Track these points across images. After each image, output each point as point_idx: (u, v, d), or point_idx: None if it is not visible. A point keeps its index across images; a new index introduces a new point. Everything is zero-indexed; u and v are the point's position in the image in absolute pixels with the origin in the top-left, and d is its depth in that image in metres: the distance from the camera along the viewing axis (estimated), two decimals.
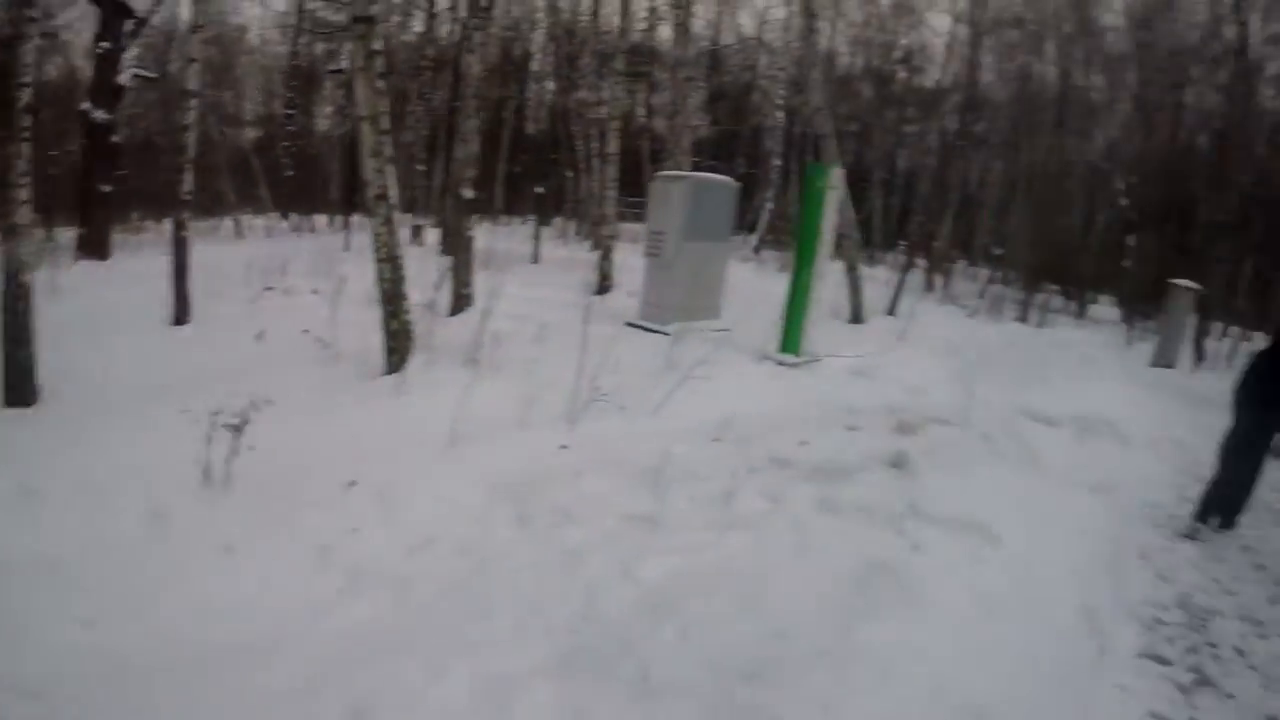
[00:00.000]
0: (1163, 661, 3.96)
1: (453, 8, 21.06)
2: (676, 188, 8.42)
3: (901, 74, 26.66)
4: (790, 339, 7.65)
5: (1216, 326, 17.40)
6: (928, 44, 27.14)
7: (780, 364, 7.28)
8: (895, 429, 5.68)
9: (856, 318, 12.21)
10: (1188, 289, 15.25)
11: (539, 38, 27.39)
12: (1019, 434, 6.74)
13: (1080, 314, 20.68)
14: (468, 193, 9.47)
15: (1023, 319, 17.22)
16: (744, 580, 3.63)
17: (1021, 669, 3.38)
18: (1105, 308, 21.79)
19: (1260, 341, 9.26)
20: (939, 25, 26.23)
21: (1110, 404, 8.48)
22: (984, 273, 21.27)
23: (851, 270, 12.59)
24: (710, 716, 2.78)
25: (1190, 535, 5.90)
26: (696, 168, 17.07)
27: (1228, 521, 6.01)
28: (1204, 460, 7.27)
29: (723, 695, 2.92)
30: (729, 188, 8.97)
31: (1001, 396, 8.02)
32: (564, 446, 5.20)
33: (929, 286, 21.08)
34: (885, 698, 2.94)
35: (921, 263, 21.64)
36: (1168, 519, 6.07)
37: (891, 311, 13.42)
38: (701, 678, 2.96)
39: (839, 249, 13.33)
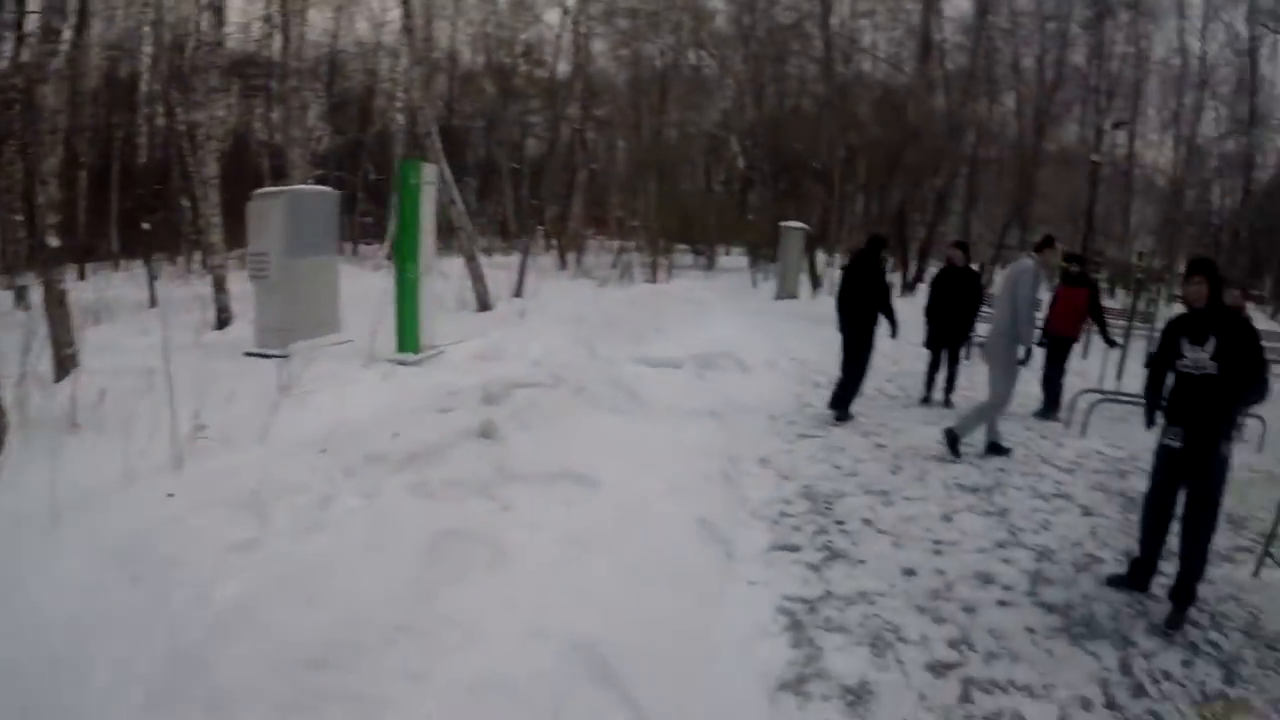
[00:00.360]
0: (792, 549, 4.38)
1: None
2: (273, 205, 7.96)
3: (523, 67, 27.68)
4: (406, 337, 7.62)
5: (827, 259, 20.22)
6: (545, 38, 28.40)
7: (402, 364, 7.27)
8: (484, 401, 5.79)
9: (484, 305, 12.41)
10: (796, 229, 17.38)
11: (146, 56, 24.24)
12: (630, 381, 7.19)
13: (710, 267, 23.22)
14: (53, 241, 8.18)
15: (653, 280, 18.84)
16: (321, 577, 3.60)
17: (635, 594, 3.52)
18: (734, 258, 24.54)
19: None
20: (553, 20, 27.58)
21: (730, 339, 9.49)
22: (618, 244, 22.84)
23: (471, 260, 12.80)
24: (282, 712, 2.77)
25: (838, 420, 7.04)
26: (321, 180, 16.27)
27: (842, 415, 7.08)
28: (822, 369, 8.72)
29: (294, 688, 2.89)
30: (328, 198, 8.69)
31: (623, 351, 8.60)
32: (170, 494, 4.77)
33: (563, 265, 22.30)
34: (478, 653, 2.99)
35: (553, 243, 22.93)
36: (787, 425, 6.85)
37: (519, 293, 13.93)
38: (271, 678, 2.91)
39: (456, 242, 13.58)
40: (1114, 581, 4.26)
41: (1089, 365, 9.62)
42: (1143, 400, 4.33)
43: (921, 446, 6.51)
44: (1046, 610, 3.94)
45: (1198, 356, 3.78)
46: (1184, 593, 3.93)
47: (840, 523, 4.84)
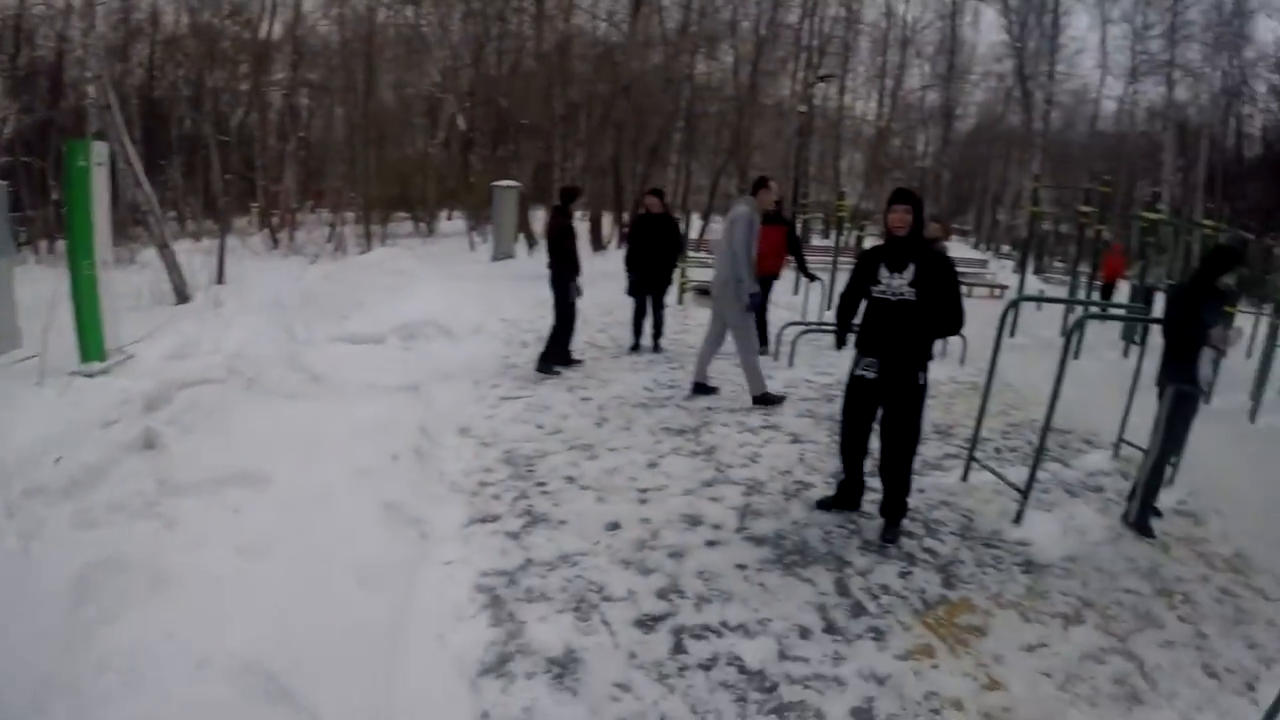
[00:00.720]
0: (491, 519, 3.87)
1: None
2: None
3: (231, 29, 24.22)
4: (89, 344, 6.07)
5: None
6: None
7: (87, 375, 5.75)
8: (146, 408, 4.74)
9: (182, 297, 10.75)
10: (510, 188, 16.89)
11: None
12: (321, 363, 6.36)
13: (431, 233, 22.02)
14: None
15: (367, 250, 17.40)
16: None
17: (313, 598, 3.02)
18: (456, 222, 23.44)
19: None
20: None
21: (436, 307, 8.73)
22: (338, 216, 21.00)
23: (163, 248, 11.08)
24: None
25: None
26: (9, 168, 13.41)
27: (544, 369, 6.65)
28: (533, 329, 8.27)
29: None
30: None
31: (323, 331, 7.82)
32: None
33: (275, 243, 20.11)
34: (137, 699, 2.49)
35: (266, 220, 20.63)
36: (490, 389, 6.19)
37: (220, 279, 12.28)
38: None
39: (146, 229, 11.70)
40: (824, 504, 4.08)
41: (797, 300, 9.94)
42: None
43: (628, 395, 6.14)
44: (757, 544, 3.71)
45: (896, 283, 3.61)
46: (894, 508, 3.84)
47: (542, 484, 4.29)
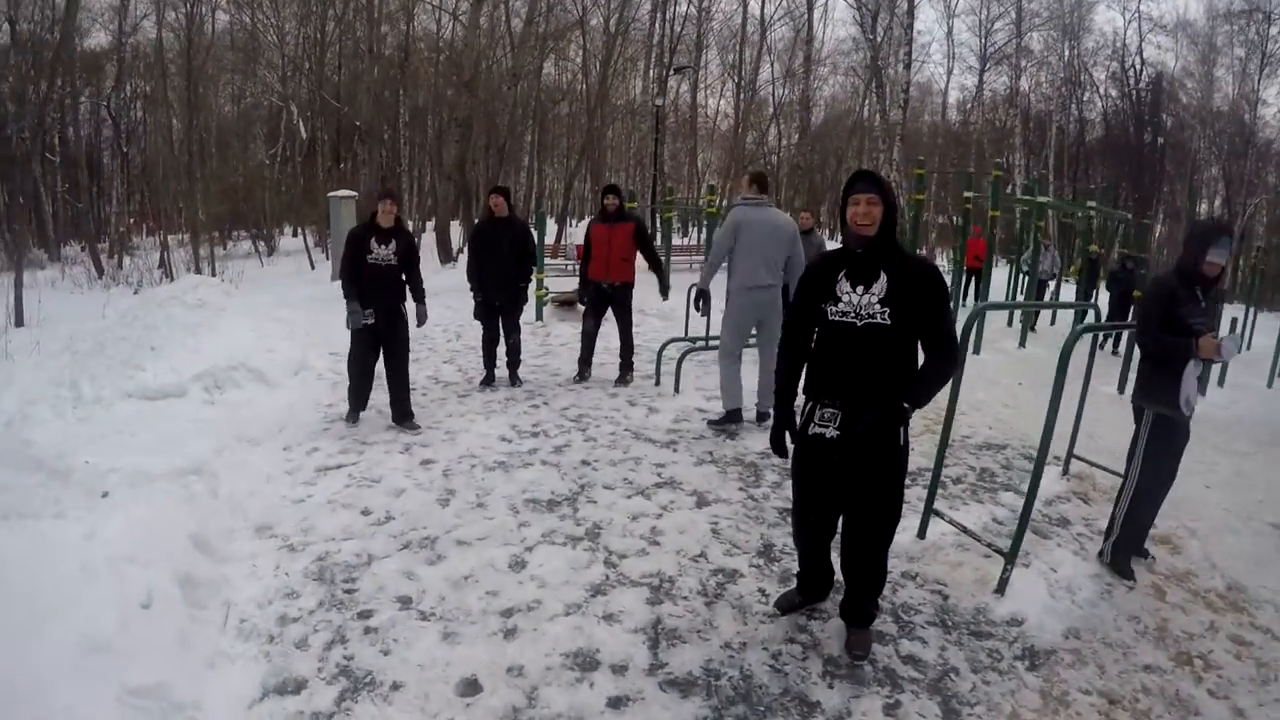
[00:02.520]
0: (294, 689, 2.52)
1: None
2: None
3: (53, 39, 20.93)
4: None
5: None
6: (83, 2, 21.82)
7: None
8: None
9: None
10: (346, 197, 15.16)
11: None
12: (78, 442, 4.67)
13: (270, 251, 19.72)
14: None
15: (199, 269, 15.18)
16: None
17: None
18: (300, 239, 21.18)
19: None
20: None
21: (249, 346, 7.07)
22: (167, 239, 18.47)
23: None
24: None
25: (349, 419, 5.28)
26: None
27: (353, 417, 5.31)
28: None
29: None
30: None
31: (111, 385, 6.02)
32: None
33: (99, 272, 17.28)
34: None
35: (92, 247, 17.82)
36: (306, 455, 4.70)
37: (19, 321, 9.99)
38: None
39: None
40: (786, 605, 2.96)
41: (671, 306, 8.61)
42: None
43: (481, 452, 4.72)
44: (682, 692, 2.53)
45: (861, 301, 2.47)
46: (862, 611, 2.77)
47: (367, 615, 2.93)
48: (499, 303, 6.27)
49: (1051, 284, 12.71)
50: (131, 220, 23.42)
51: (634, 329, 6.58)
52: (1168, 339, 3.24)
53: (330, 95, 20.83)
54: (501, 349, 6.42)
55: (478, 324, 6.47)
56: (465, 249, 6.97)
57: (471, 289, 6.28)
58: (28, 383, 6.30)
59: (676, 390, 6.18)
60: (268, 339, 7.70)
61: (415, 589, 3.10)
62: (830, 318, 2.51)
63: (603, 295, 6.38)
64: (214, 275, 14.63)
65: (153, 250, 18.11)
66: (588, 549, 3.42)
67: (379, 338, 5.11)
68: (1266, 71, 29.79)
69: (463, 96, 17.54)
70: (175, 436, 4.91)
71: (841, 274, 2.51)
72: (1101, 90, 33.86)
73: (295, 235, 21.38)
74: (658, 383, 6.45)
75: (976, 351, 8.38)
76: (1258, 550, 4.15)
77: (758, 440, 4.88)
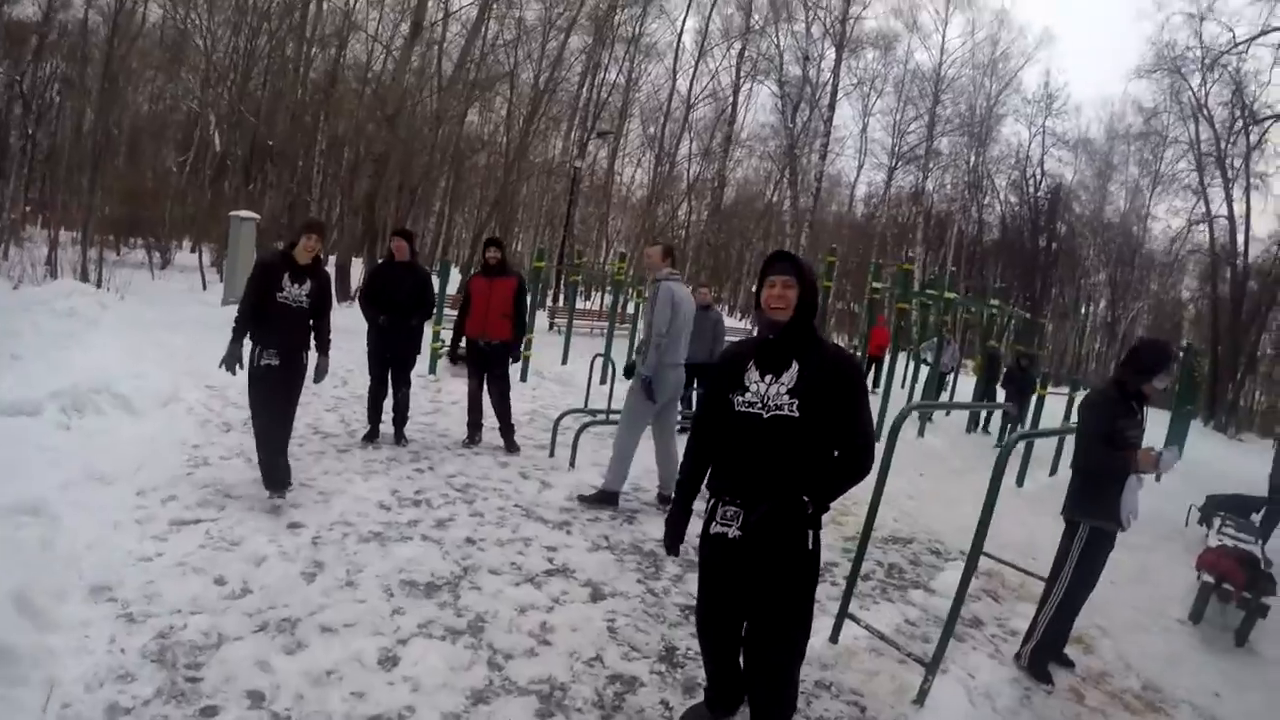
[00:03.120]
0: None
1: None
2: None
3: None
4: None
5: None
6: None
7: None
8: None
9: None
10: (247, 219, 14.30)
11: None
12: None
13: (164, 264, 18.40)
14: None
15: (88, 279, 13.94)
16: None
17: None
18: (195, 255, 19.95)
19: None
20: None
21: (119, 365, 6.47)
22: (58, 235, 17.00)
23: None
24: None
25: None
26: None
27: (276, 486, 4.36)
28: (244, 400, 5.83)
29: None
30: None
31: None
32: None
33: None
34: None
35: None
36: (162, 505, 4.07)
37: None
38: None
39: None
40: (694, 717, 2.62)
41: (571, 371, 8.31)
42: None
43: (356, 519, 4.20)
44: None
45: (770, 391, 2.24)
46: None
47: (211, 713, 2.43)
48: (389, 354, 5.79)
49: (949, 377, 13.06)
50: (27, 209, 21.63)
51: (525, 394, 6.13)
52: (1108, 455, 3.22)
53: (250, 111, 19.88)
54: (389, 403, 5.90)
55: (365, 373, 5.92)
56: (360, 290, 6.30)
57: (366, 318, 5.80)
58: None
59: (572, 465, 5.76)
60: (141, 361, 7.06)
61: (269, 683, 2.61)
62: (736, 409, 2.28)
63: (479, 354, 5.95)
64: (99, 283, 13.48)
65: (43, 245, 16.66)
66: (470, 645, 2.98)
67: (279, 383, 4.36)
68: (1158, 189, 32.62)
69: (383, 131, 17.00)
70: (17, 464, 4.22)
71: (751, 362, 2.31)
72: (1002, 196, 36.45)
73: (193, 251, 20.00)
74: (552, 454, 6.04)
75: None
76: (1169, 648, 4.15)
77: (657, 526, 4.52)
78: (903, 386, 11.62)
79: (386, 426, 5.93)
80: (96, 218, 16.97)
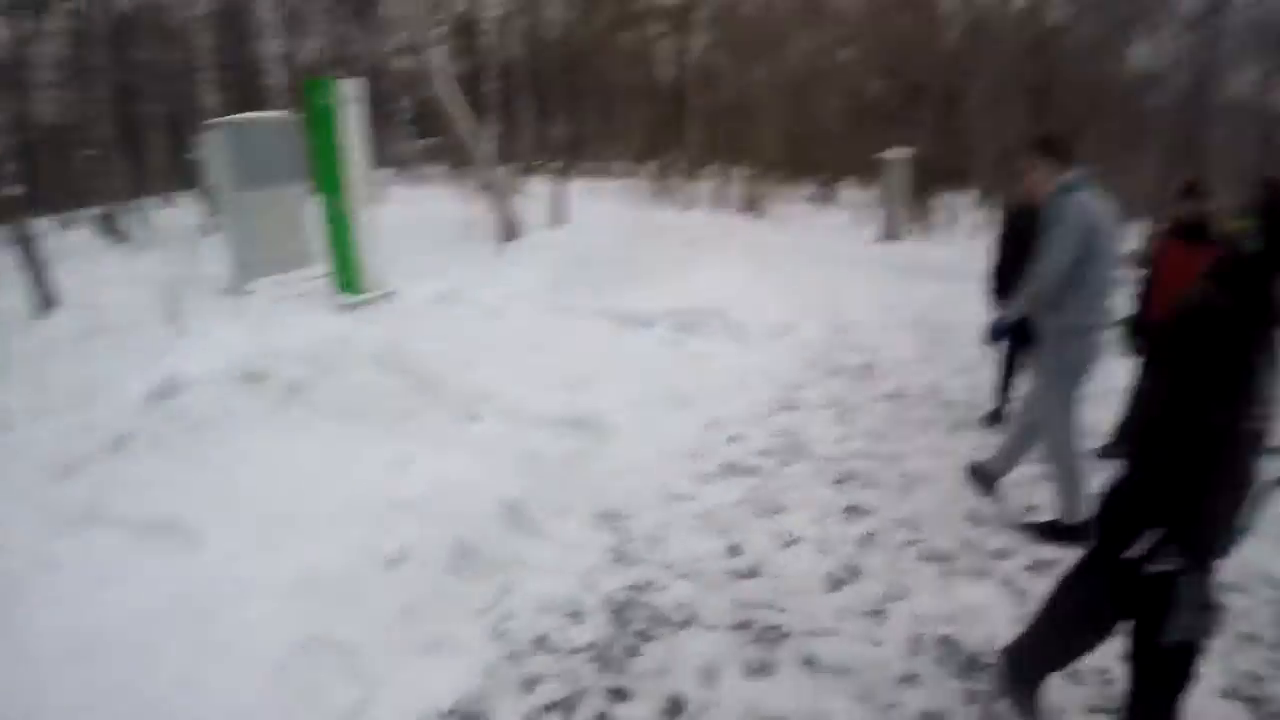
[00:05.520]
0: None
1: None
2: (215, 136, 7.11)
3: None
4: (346, 277, 6.60)
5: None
6: None
7: (347, 306, 6.23)
8: (148, 398, 3.86)
9: (510, 235, 10.36)
10: (899, 159, 13.65)
11: None
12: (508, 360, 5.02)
13: (829, 200, 20.63)
14: None
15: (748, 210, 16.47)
16: None
17: None
18: (857, 192, 21.74)
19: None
20: None
21: (733, 293, 6.93)
22: (740, 173, 19.98)
23: (488, 188, 10.82)
24: None
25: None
26: None
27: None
28: (869, 345, 6.00)
29: None
30: (281, 126, 7.52)
31: (592, 300, 6.67)
32: None
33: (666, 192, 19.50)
34: None
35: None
36: (726, 443, 4.00)
37: (559, 222, 11.80)
38: None
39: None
40: None
41: None
42: None
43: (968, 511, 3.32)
44: None
45: None
46: None
47: (619, 697, 2.25)
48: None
49: None
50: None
51: None
52: None
53: (897, 59, 20.42)
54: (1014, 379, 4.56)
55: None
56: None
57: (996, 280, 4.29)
58: (514, 279, 7.31)
59: None
60: (756, 290, 7.50)
61: (700, 699, 2.27)
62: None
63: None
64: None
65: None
66: None
67: None
68: None
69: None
70: (599, 377, 4.74)
71: None
72: None
73: (859, 188, 21.86)
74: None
75: None
76: None
77: None
78: None
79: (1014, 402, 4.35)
80: (765, 158, 19.14)
